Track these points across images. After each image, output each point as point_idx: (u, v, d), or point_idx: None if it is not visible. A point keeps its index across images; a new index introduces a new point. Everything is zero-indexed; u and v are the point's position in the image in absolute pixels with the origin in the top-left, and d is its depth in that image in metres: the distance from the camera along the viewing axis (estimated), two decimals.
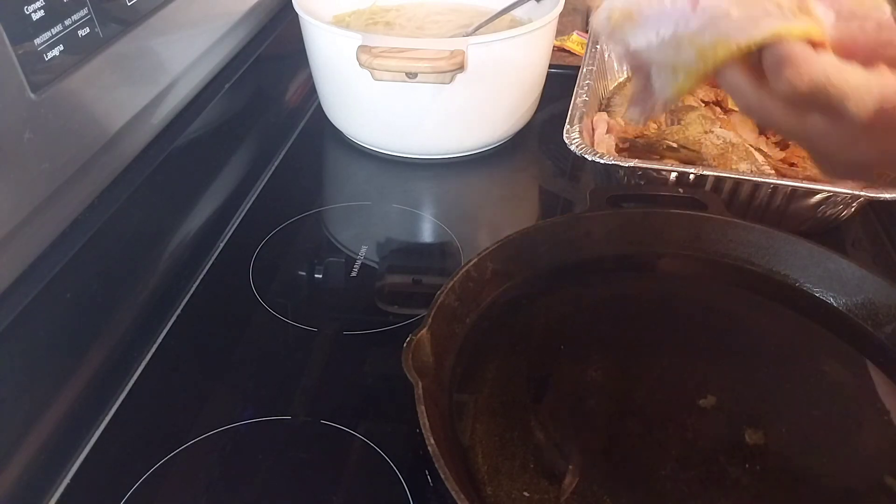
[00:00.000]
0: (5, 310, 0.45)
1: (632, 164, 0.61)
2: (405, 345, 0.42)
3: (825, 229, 0.63)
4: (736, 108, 0.75)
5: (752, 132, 0.71)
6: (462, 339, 0.48)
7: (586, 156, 0.62)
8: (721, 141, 0.66)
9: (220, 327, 0.56)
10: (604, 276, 0.56)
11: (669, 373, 0.48)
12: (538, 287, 0.54)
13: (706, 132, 0.68)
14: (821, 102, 0.32)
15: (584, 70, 0.75)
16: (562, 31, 1.01)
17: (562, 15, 0.74)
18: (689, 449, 0.43)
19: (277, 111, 0.86)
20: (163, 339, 0.54)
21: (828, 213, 0.61)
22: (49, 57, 0.47)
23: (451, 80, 0.67)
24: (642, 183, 0.62)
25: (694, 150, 0.67)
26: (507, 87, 0.74)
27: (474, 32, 0.78)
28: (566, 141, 0.64)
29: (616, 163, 0.61)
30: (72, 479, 0.45)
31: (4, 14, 0.43)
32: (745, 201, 0.61)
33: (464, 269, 0.49)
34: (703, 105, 0.74)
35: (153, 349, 0.54)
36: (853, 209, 0.62)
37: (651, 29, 0.34)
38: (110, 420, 0.48)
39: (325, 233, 0.68)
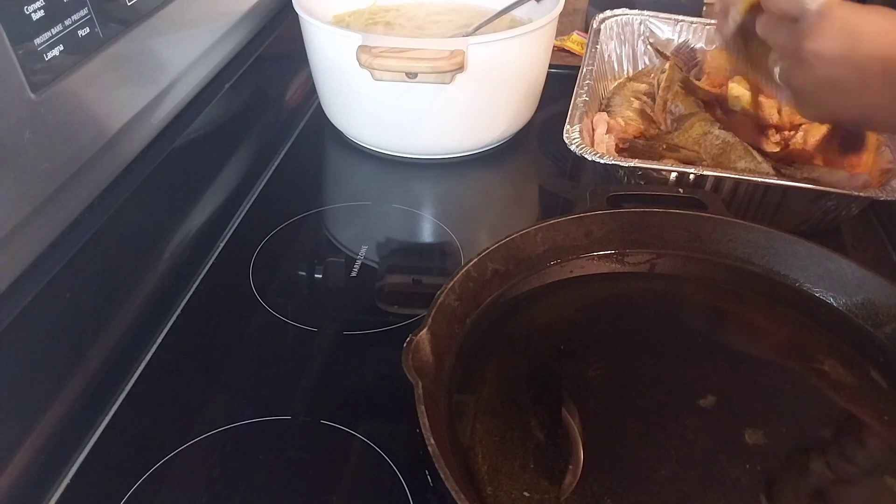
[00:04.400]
0: (5, 310, 0.45)
1: (632, 164, 0.61)
2: (405, 345, 0.42)
3: (825, 229, 0.63)
4: (736, 109, 0.75)
5: (751, 132, 0.71)
6: (462, 339, 0.48)
7: (586, 156, 0.63)
8: (720, 141, 0.66)
9: (220, 327, 0.56)
10: (603, 276, 0.56)
11: (669, 373, 0.48)
12: (538, 287, 0.54)
13: (705, 133, 0.68)
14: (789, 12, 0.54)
15: (584, 70, 0.75)
16: (562, 31, 1.01)
17: (562, 15, 0.74)
18: (689, 449, 0.43)
19: (277, 111, 0.86)
20: (163, 339, 0.54)
21: (828, 213, 0.61)
22: (49, 57, 0.47)
23: (451, 80, 0.67)
24: (642, 183, 0.62)
25: (693, 151, 0.68)
26: (507, 87, 0.74)
27: (474, 32, 0.78)
28: (566, 141, 0.64)
29: (616, 163, 0.61)
30: (72, 479, 0.45)
31: (4, 14, 0.43)
32: (744, 201, 0.61)
33: (464, 269, 0.49)
34: (704, 104, 0.74)
35: (153, 349, 0.54)
36: (853, 209, 0.62)
37: None
38: (110, 420, 0.48)
39: (325, 233, 0.68)
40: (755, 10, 0.60)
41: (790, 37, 0.56)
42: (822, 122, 0.64)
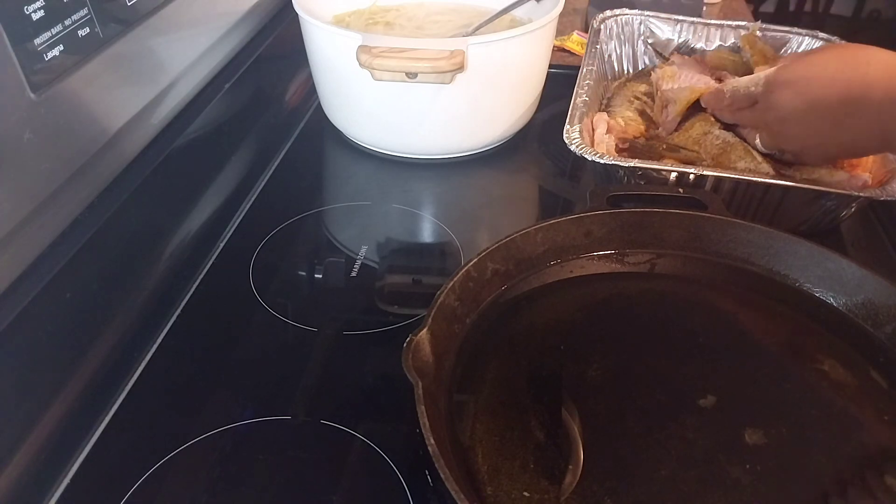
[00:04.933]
0: (5, 310, 0.45)
1: (632, 164, 0.61)
2: (405, 345, 0.42)
3: (825, 229, 0.63)
4: None
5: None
6: (462, 339, 0.48)
7: (586, 156, 0.63)
8: (720, 141, 0.66)
9: (220, 327, 0.56)
10: (604, 276, 0.56)
11: (669, 372, 0.48)
12: (538, 287, 0.54)
13: (705, 133, 0.68)
14: (742, 98, 0.64)
15: (584, 70, 0.76)
16: (562, 31, 1.01)
17: (562, 15, 0.74)
18: (689, 449, 0.43)
19: (277, 111, 0.86)
20: (163, 339, 0.54)
21: (827, 213, 0.61)
22: (49, 57, 0.47)
23: (451, 80, 0.67)
24: (642, 183, 0.62)
25: (693, 151, 0.68)
26: (507, 87, 0.74)
27: (474, 32, 0.78)
28: (566, 141, 0.64)
29: (616, 163, 0.61)
30: (72, 479, 0.45)
31: (4, 14, 0.43)
32: (744, 201, 0.61)
33: (464, 269, 0.49)
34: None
35: (153, 349, 0.54)
36: (853, 209, 0.62)
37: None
38: (110, 420, 0.48)
39: (325, 233, 0.68)
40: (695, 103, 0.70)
41: (754, 116, 0.63)
42: (825, 162, 0.64)
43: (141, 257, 0.59)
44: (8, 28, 0.43)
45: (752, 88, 0.62)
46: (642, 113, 0.75)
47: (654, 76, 0.78)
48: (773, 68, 0.61)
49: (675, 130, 0.72)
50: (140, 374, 0.52)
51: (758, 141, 0.64)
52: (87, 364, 0.51)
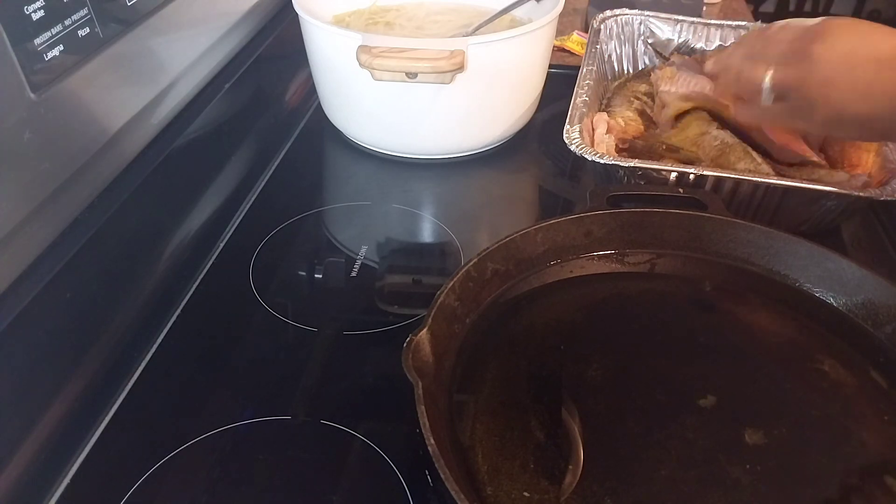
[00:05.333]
0: (5, 310, 0.45)
1: (632, 164, 0.61)
2: (405, 345, 0.42)
3: (825, 229, 0.63)
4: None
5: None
6: (462, 339, 0.48)
7: (586, 156, 0.63)
8: (718, 142, 0.66)
9: (220, 327, 0.56)
10: (604, 276, 0.56)
11: (669, 372, 0.48)
12: (538, 287, 0.54)
13: (703, 133, 0.68)
14: (796, 29, 0.56)
15: (584, 70, 0.76)
16: (562, 31, 1.01)
17: (562, 15, 0.74)
18: (689, 449, 0.43)
19: (277, 111, 0.86)
20: (163, 339, 0.54)
21: (827, 213, 0.61)
22: (49, 57, 0.47)
23: (451, 80, 0.67)
24: (642, 183, 0.62)
25: (692, 151, 0.67)
26: (507, 87, 0.74)
27: (474, 32, 0.78)
28: (566, 141, 0.64)
29: (616, 163, 0.61)
30: (72, 479, 0.45)
31: (4, 14, 0.43)
32: (744, 201, 0.61)
33: (464, 269, 0.49)
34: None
35: (153, 349, 0.54)
36: (853, 209, 0.62)
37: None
38: (110, 420, 0.48)
39: (325, 233, 0.68)
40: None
41: (794, 42, 0.56)
42: (835, 132, 0.61)
43: (141, 257, 0.59)
44: (8, 28, 0.43)
45: (810, 23, 0.56)
46: (642, 113, 0.75)
47: (653, 76, 0.77)
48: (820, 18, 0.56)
49: (672, 128, 0.71)
50: (140, 374, 0.52)
51: (767, 80, 0.56)
52: (87, 364, 0.51)
